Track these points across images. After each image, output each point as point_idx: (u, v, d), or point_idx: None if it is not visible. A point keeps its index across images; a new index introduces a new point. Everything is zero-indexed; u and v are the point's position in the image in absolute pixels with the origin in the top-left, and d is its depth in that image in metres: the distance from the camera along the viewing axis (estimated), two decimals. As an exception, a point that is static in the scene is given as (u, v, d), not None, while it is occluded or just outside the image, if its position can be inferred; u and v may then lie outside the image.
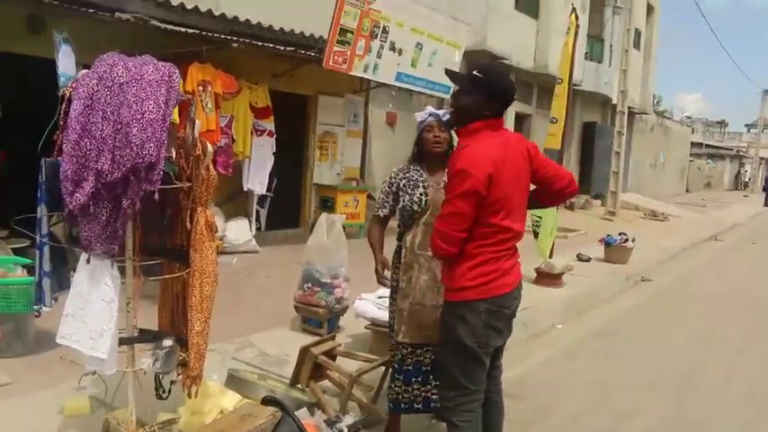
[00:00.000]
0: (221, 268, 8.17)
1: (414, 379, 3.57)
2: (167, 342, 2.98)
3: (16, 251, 6.00)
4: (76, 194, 2.63)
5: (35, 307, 3.15)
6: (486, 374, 2.99)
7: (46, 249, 2.93)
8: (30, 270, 4.46)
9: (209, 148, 2.95)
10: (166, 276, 3.10)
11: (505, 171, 2.79)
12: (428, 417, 3.86)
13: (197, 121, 3.02)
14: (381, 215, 3.68)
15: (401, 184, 3.56)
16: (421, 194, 3.47)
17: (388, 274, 3.64)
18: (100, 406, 3.55)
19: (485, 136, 2.83)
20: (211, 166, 2.99)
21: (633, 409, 4.58)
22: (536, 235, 8.26)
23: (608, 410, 4.54)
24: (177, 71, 2.75)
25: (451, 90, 3.53)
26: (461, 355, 2.88)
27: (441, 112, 3.63)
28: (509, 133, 2.98)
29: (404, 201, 3.52)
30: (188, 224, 2.99)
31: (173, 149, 2.98)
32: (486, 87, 2.85)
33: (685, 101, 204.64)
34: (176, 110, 4.63)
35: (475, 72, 2.89)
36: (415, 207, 3.47)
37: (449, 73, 3.08)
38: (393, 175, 3.64)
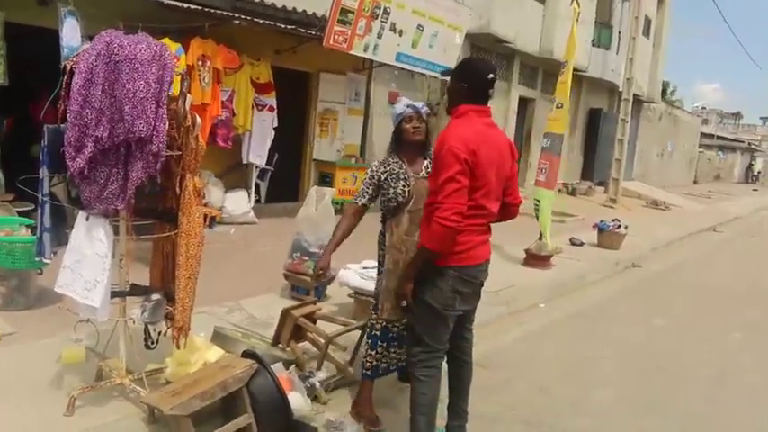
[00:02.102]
0: (219, 237, 8.49)
1: (394, 344, 3.84)
2: (155, 295, 3.31)
3: (21, 213, 6.32)
4: (77, 159, 2.94)
5: (37, 260, 3.45)
6: (448, 335, 3.26)
7: (47, 207, 3.23)
8: (33, 230, 4.78)
9: (198, 120, 3.23)
10: (156, 236, 3.41)
11: (485, 152, 3.04)
12: (397, 382, 4.18)
13: (188, 95, 3.30)
14: (359, 204, 3.82)
15: (382, 177, 3.73)
16: (404, 187, 3.64)
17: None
18: (94, 355, 3.86)
19: (467, 120, 3.13)
20: (200, 137, 3.28)
21: (599, 383, 4.84)
22: (537, 218, 8.62)
23: (574, 383, 4.80)
24: (169, 50, 3.03)
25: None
26: (428, 316, 3.16)
27: (419, 104, 3.85)
28: (494, 125, 3.28)
29: (388, 194, 3.69)
30: (177, 189, 3.29)
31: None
32: (459, 75, 3.22)
33: (703, 91, 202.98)
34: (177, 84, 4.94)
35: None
36: (400, 199, 3.63)
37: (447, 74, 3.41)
38: (374, 168, 3.82)
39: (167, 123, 3.14)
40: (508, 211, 3.38)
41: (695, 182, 34.20)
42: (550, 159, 8.60)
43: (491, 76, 3.18)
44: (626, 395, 4.68)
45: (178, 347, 3.41)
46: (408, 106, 3.79)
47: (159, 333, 3.51)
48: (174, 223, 3.33)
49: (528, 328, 6.16)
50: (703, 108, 57.77)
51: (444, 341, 3.26)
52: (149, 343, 3.50)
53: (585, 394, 4.63)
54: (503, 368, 4.90)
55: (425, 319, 3.18)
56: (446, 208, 2.93)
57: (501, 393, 4.45)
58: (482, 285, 3.36)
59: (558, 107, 8.77)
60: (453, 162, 2.94)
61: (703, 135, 37.50)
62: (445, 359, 3.38)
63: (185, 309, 3.30)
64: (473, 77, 3.18)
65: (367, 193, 3.82)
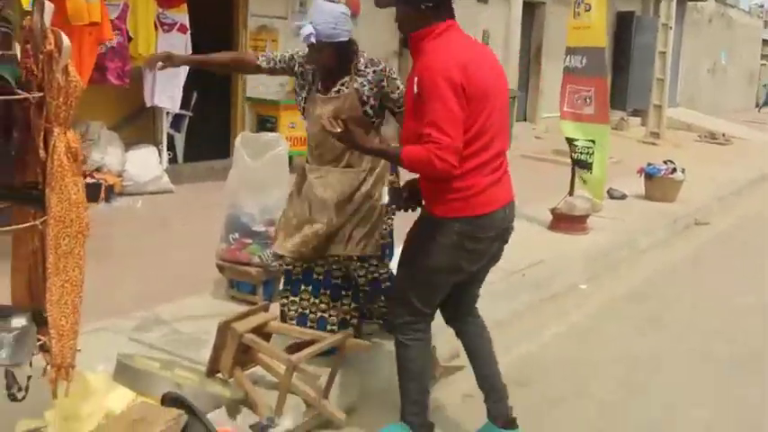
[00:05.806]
0: (120, 215, 8.36)
1: (302, 288, 4.35)
2: (19, 320, 2.97)
3: None
4: None
5: None
6: (441, 298, 3.54)
7: None
8: None
9: (66, 41, 2.88)
10: (14, 227, 3.07)
11: (480, 70, 3.26)
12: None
13: (48, 3, 2.93)
14: (257, 58, 4.37)
15: (297, 69, 4.26)
16: (302, 99, 4.22)
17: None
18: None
19: (448, 38, 3.31)
20: (72, 69, 2.95)
21: (682, 396, 4.67)
22: (581, 165, 8.44)
23: (644, 395, 4.65)
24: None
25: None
26: (421, 276, 3.42)
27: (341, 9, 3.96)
28: (475, 40, 3.58)
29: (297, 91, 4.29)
30: (42, 152, 2.97)
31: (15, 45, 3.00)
32: None
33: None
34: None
35: None
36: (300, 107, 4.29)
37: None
38: (297, 53, 4.27)
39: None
40: None
41: (757, 104, 34.57)
42: (595, 83, 8.37)
43: None
44: (719, 412, 4.50)
45: (55, 396, 3.08)
46: (309, 33, 3.91)
47: (29, 377, 3.14)
48: (40, 205, 2.98)
49: (569, 320, 6.08)
50: (760, 5, 58.29)
51: (436, 305, 3.58)
52: (15, 391, 3.14)
53: (671, 415, 4.44)
54: (546, 380, 4.81)
55: (418, 278, 3.43)
56: (442, 146, 3.08)
57: (550, 417, 4.33)
58: (504, 239, 3.51)
59: (586, 10, 8.48)
60: (444, 88, 3.12)
61: (765, 42, 37.76)
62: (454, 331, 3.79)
63: (63, 335, 2.96)
64: None
65: (274, 60, 4.30)
